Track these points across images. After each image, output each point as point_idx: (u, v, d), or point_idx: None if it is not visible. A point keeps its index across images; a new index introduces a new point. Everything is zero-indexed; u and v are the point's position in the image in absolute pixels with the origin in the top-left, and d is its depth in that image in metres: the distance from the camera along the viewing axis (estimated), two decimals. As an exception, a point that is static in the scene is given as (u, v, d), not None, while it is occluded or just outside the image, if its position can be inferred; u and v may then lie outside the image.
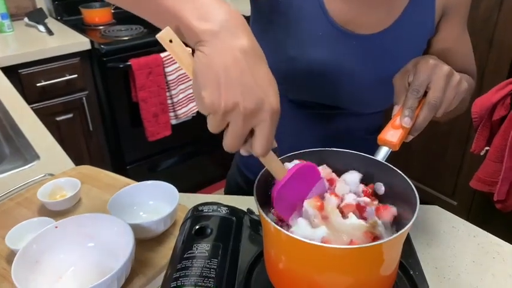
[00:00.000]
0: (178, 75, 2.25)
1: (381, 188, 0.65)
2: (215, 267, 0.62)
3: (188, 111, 2.36)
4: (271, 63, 0.51)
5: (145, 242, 0.79)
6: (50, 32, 2.20)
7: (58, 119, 2.13)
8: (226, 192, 1.21)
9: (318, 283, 0.55)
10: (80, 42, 2.10)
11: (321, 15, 0.80)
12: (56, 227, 0.74)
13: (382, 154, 0.66)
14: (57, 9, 2.46)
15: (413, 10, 0.82)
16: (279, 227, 0.52)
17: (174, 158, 2.57)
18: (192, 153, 2.63)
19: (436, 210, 0.91)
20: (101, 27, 2.35)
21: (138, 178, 0.94)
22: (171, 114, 2.32)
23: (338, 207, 0.60)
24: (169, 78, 2.21)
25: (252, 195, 0.57)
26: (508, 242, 0.83)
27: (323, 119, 0.93)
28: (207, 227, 0.69)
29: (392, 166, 0.63)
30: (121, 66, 2.11)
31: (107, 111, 2.27)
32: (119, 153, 2.38)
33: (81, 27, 2.34)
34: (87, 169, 1.04)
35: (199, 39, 0.47)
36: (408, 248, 0.72)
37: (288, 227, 0.63)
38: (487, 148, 1.70)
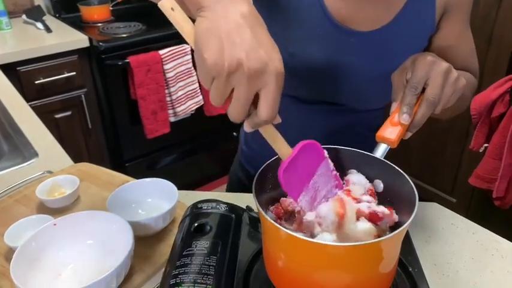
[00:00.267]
0: (177, 73, 2.25)
1: (379, 185, 0.65)
2: (214, 264, 0.62)
3: (187, 109, 2.36)
4: None
5: (145, 239, 0.79)
6: (48, 30, 2.19)
7: (57, 116, 2.13)
8: (229, 188, 1.22)
9: (316, 281, 0.55)
10: (78, 40, 2.10)
11: (319, 12, 0.80)
12: (55, 225, 0.74)
13: (380, 151, 0.66)
14: (55, 7, 2.45)
15: (412, 7, 0.82)
16: (277, 225, 0.52)
17: (173, 155, 2.57)
18: (191, 151, 2.63)
19: (435, 207, 0.91)
20: (99, 25, 2.34)
21: (137, 175, 0.94)
22: (170, 111, 2.32)
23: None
24: (168, 75, 2.21)
25: (254, 190, 0.57)
26: (507, 239, 0.83)
27: (322, 115, 0.93)
28: (206, 224, 0.69)
29: (391, 163, 0.63)
30: (119, 63, 2.10)
31: (106, 109, 2.27)
32: (117, 150, 2.38)
33: (79, 24, 2.33)
34: (86, 166, 1.04)
35: (200, 6, 0.48)
36: (407, 245, 0.72)
37: (286, 223, 0.63)
38: (486, 145, 1.71)
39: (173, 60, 2.20)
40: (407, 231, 0.74)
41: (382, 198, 0.64)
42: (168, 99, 2.27)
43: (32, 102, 2.00)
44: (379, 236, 0.56)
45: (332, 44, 0.82)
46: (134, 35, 2.21)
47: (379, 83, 0.82)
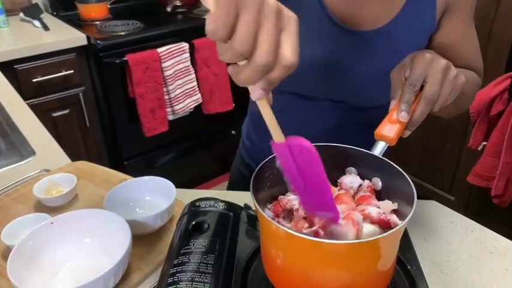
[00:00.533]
0: (175, 71, 2.24)
1: (378, 183, 0.65)
2: (212, 262, 0.62)
3: (185, 107, 2.35)
4: None
5: (142, 237, 0.79)
6: (45, 28, 2.18)
7: (54, 114, 2.12)
8: (230, 183, 1.23)
9: (315, 279, 0.55)
10: (76, 38, 2.09)
11: (319, 11, 0.80)
12: (52, 223, 0.73)
13: (379, 149, 0.66)
14: (52, 5, 2.44)
15: (412, 6, 0.82)
16: (275, 223, 0.52)
17: (171, 153, 2.57)
18: (189, 149, 2.63)
19: (433, 205, 0.91)
20: (97, 23, 2.34)
21: (135, 174, 0.94)
22: (168, 109, 2.31)
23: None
24: (166, 73, 2.20)
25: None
26: (505, 237, 0.83)
27: (323, 112, 0.93)
28: (204, 222, 0.69)
29: (389, 161, 0.63)
30: (117, 61, 2.10)
31: (104, 107, 2.26)
32: (115, 149, 2.37)
33: (77, 22, 2.33)
34: (84, 165, 1.04)
35: None
36: (406, 243, 0.72)
37: (284, 221, 0.63)
38: (484, 143, 1.71)
39: (171, 58, 2.20)
40: (406, 229, 0.73)
41: (380, 196, 0.64)
42: (166, 97, 2.27)
43: (30, 101, 1.99)
44: None
45: (332, 42, 0.82)
46: (132, 33, 2.20)
47: (379, 81, 0.82)
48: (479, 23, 1.90)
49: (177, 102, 2.31)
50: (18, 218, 0.80)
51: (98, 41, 2.07)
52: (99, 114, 2.30)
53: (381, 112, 0.99)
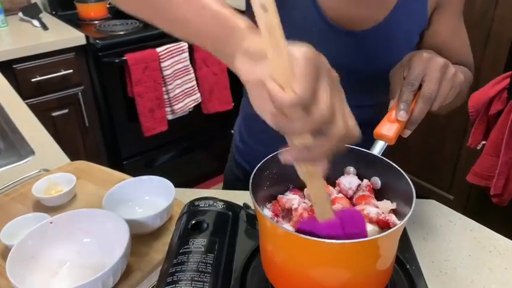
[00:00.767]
0: (174, 70, 2.24)
1: (377, 182, 0.65)
2: (211, 262, 0.62)
3: (184, 106, 2.35)
4: None
5: (141, 237, 0.79)
6: (44, 27, 2.18)
7: (54, 114, 2.12)
8: (225, 186, 1.22)
9: (314, 278, 0.55)
10: (75, 37, 2.09)
11: (313, 12, 0.80)
12: (51, 223, 0.73)
13: (378, 148, 0.66)
14: (51, 4, 2.43)
15: (404, 4, 0.82)
16: (274, 222, 0.52)
17: (170, 153, 2.57)
18: (188, 149, 2.63)
19: (432, 205, 0.91)
20: (96, 22, 2.33)
21: (135, 173, 0.94)
22: (167, 109, 2.31)
23: None
24: (165, 73, 2.20)
25: (250, 186, 0.56)
26: (505, 236, 0.83)
27: None
28: (203, 221, 0.68)
29: (388, 160, 0.63)
30: (116, 61, 2.09)
31: (103, 107, 2.26)
32: (115, 148, 2.37)
33: (76, 22, 2.32)
34: (83, 164, 1.04)
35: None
36: (405, 242, 0.72)
37: (283, 221, 0.63)
38: (483, 142, 1.70)
39: (170, 58, 2.20)
40: (405, 229, 0.73)
41: (380, 195, 0.64)
42: (165, 96, 2.27)
43: (29, 100, 1.99)
44: None
45: (325, 43, 0.82)
46: (131, 32, 2.20)
47: (372, 80, 0.82)
48: (478, 23, 1.92)
49: (176, 102, 2.31)
50: (18, 217, 0.80)
51: (97, 41, 2.07)
52: (98, 114, 2.30)
53: (379, 111, 0.99)
